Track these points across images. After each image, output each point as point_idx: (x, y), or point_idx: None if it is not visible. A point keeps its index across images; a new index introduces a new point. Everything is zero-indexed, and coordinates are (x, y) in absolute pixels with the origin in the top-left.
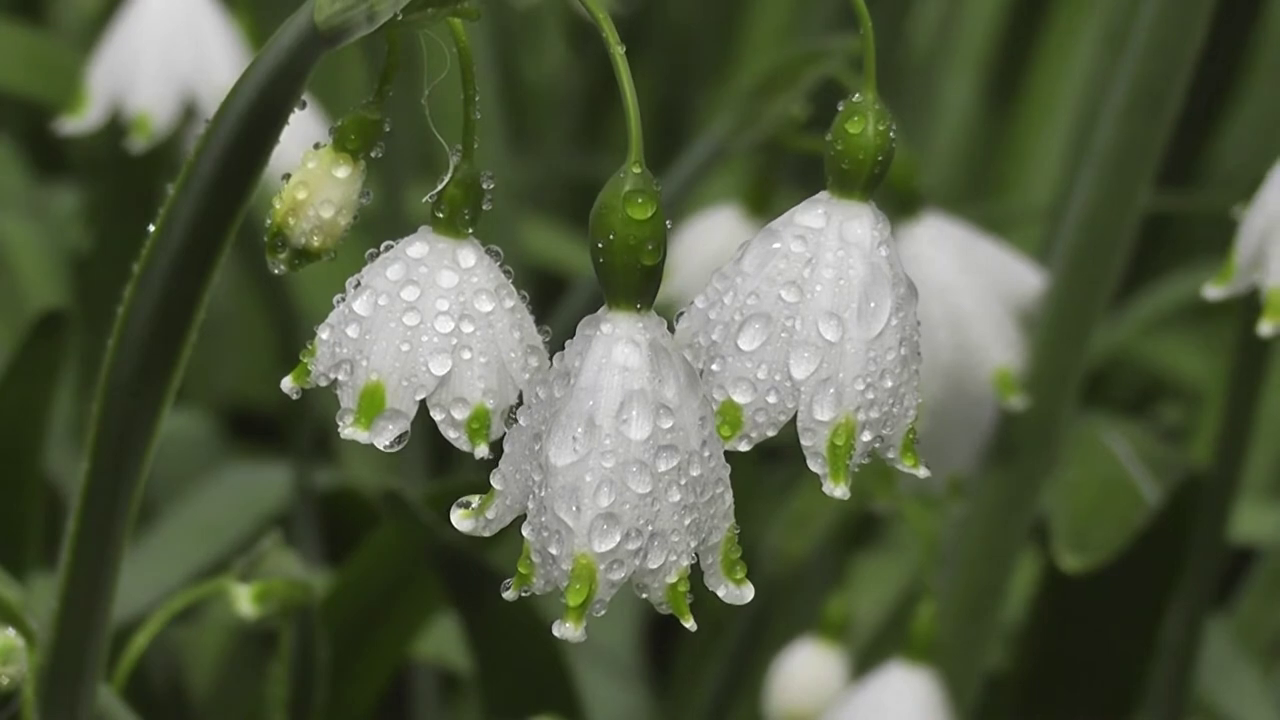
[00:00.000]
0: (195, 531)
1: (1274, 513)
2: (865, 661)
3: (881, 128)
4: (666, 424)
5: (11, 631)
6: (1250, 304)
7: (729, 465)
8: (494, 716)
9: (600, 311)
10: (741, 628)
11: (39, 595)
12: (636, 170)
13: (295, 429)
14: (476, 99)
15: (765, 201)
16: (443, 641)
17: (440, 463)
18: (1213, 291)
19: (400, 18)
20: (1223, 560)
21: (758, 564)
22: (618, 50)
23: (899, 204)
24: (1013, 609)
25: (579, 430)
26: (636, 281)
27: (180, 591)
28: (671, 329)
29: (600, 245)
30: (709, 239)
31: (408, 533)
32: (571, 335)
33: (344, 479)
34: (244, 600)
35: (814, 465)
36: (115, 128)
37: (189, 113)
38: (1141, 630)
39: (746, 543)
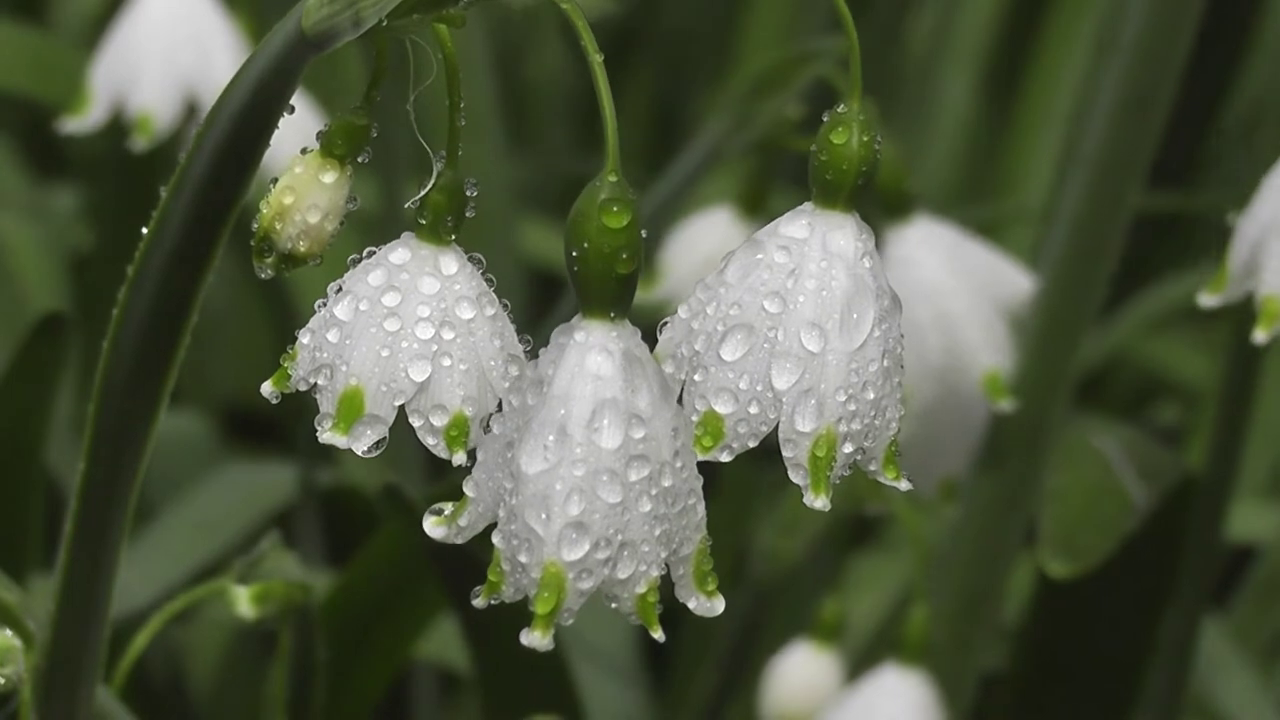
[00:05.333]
0: (197, 529)
1: (1271, 513)
2: (862, 664)
3: (866, 139)
4: (638, 434)
5: (9, 632)
6: (1245, 305)
7: (701, 476)
8: (493, 716)
9: (574, 320)
10: (737, 629)
11: (39, 596)
12: (612, 179)
13: (296, 428)
14: (463, 105)
15: (760, 202)
16: (443, 641)
17: (438, 464)
18: (1207, 300)
19: (386, 23)
20: (1220, 561)
21: (753, 564)
22: (596, 59)
23: (889, 206)
24: (1009, 610)
25: (550, 438)
26: (611, 290)
27: (182, 590)
28: (656, 337)
29: (575, 254)
30: (704, 239)
31: (406, 529)
32: None
33: (344, 478)
34: (243, 601)
35: (795, 476)
36: (115, 127)
37: (191, 113)
38: (1138, 631)
39: (744, 542)
